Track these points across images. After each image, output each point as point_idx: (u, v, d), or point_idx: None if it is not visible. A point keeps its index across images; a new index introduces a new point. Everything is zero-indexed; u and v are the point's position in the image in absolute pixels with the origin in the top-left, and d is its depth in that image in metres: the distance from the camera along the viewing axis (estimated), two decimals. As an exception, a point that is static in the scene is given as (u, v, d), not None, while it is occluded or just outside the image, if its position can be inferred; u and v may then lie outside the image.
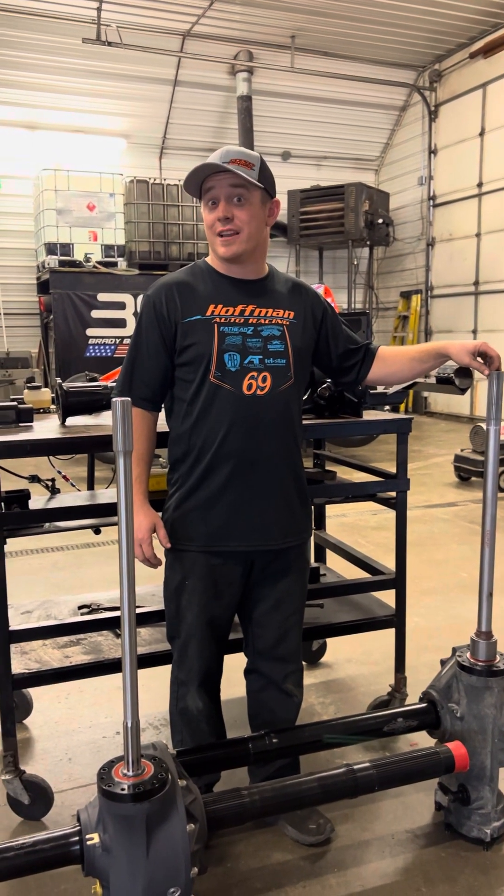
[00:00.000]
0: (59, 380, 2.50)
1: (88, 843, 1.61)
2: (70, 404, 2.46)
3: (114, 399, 1.49)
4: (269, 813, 1.93)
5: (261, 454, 2.04)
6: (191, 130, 11.29)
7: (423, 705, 2.23)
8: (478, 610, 2.16)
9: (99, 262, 9.64)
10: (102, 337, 9.32)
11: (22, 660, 2.39)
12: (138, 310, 6.81)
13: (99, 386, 2.54)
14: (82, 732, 2.81)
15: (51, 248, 9.75)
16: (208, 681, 2.19)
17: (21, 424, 2.45)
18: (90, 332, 9.22)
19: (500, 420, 2.08)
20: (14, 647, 2.44)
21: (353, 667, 3.30)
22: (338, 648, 3.39)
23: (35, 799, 2.27)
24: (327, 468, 3.15)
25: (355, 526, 5.61)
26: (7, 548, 2.21)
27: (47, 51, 9.76)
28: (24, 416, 2.45)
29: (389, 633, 2.73)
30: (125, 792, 1.56)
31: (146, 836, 1.57)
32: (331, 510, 4.31)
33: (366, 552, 3.09)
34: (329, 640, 3.36)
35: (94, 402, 2.51)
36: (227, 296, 2.05)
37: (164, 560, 2.15)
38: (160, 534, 2.07)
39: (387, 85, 11.52)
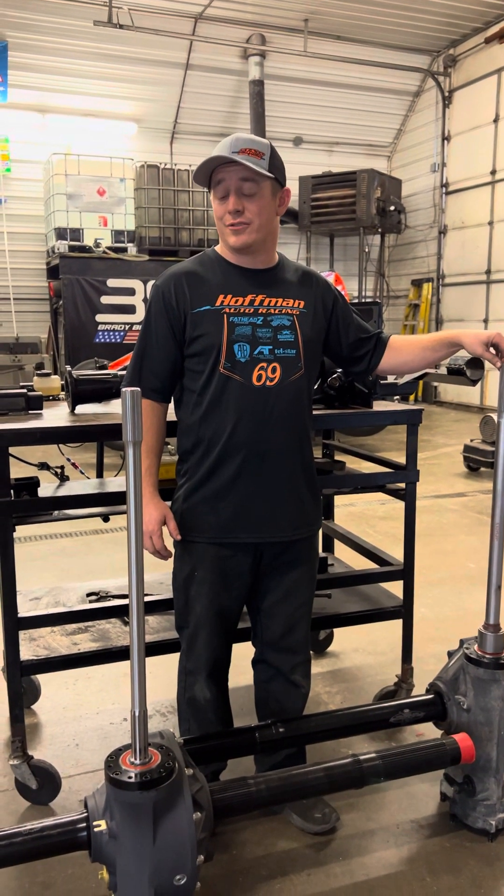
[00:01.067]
0: (68, 367, 2.50)
1: (95, 829, 1.63)
2: (80, 392, 2.46)
3: (123, 389, 1.48)
4: (275, 802, 1.94)
5: (271, 446, 2.03)
6: (202, 115, 11.21)
7: (430, 697, 2.23)
8: (486, 602, 2.16)
9: (109, 248, 9.60)
10: (112, 323, 9.30)
11: (31, 646, 2.41)
12: (148, 298, 6.82)
13: (108, 374, 2.53)
14: (90, 718, 2.83)
15: (61, 233, 9.71)
16: (216, 671, 2.20)
17: (31, 412, 2.45)
18: (99, 317, 9.20)
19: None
20: (23, 634, 2.45)
21: (359, 656, 3.31)
22: (345, 638, 3.40)
23: (43, 784, 2.29)
24: (336, 458, 3.14)
25: (363, 515, 5.60)
26: (16, 533, 2.22)
27: (59, 33, 9.69)
28: (34, 403, 2.45)
29: (396, 624, 2.73)
30: (132, 780, 1.57)
31: (153, 823, 1.59)
32: (339, 500, 4.30)
33: (373, 542, 3.08)
34: (336, 630, 3.37)
35: (104, 391, 2.50)
36: (236, 286, 2.03)
37: (173, 551, 2.15)
38: (170, 525, 2.06)
39: (400, 70, 11.40)
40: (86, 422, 2.33)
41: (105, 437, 2.33)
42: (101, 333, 9.27)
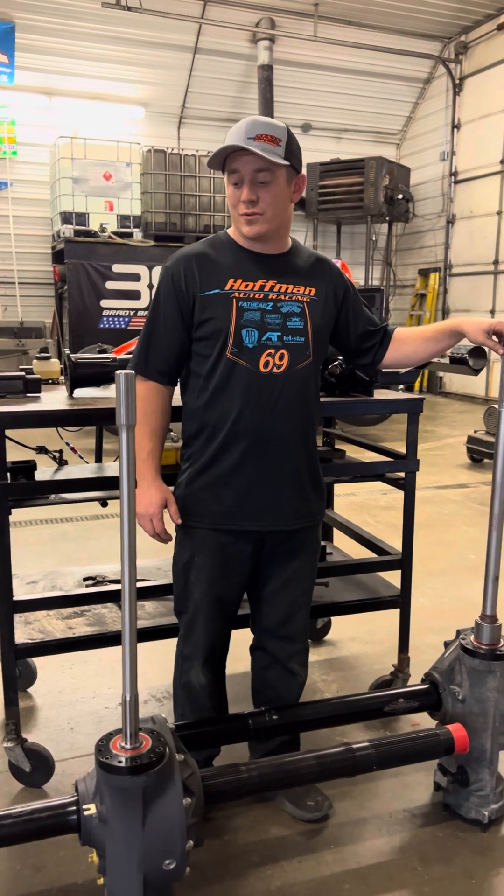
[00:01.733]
0: (67, 351, 2.48)
1: (85, 813, 1.63)
2: (78, 376, 2.44)
3: (118, 372, 1.47)
4: (267, 789, 1.94)
5: (275, 433, 2.01)
6: (210, 100, 11.12)
7: (425, 687, 2.22)
8: (483, 593, 2.15)
9: (114, 233, 9.56)
10: (116, 309, 9.27)
11: (26, 630, 2.40)
12: (154, 282, 6.80)
13: (107, 358, 2.52)
14: (85, 702, 2.83)
15: (66, 218, 9.67)
16: (213, 657, 2.19)
17: (29, 395, 2.44)
18: (104, 303, 9.17)
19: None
20: (18, 617, 2.44)
21: (356, 646, 3.30)
22: (342, 627, 3.39)
23: (36, 767, 2.30)
24: (337, 447, 3.12)
25: (365, 505, 5.59)
26: (16, 517, 2.21)
27: (67, 15, 9.61)
28: (32, 386, 2.44)
29: (394, 613, 2.72)
30: (122, 765, 1.57)
31: (142, 808, 1.58)
32: (340, 489, 4.28)
33: (374, 532, 3.07)
34: (334, 619, 3.36)
35: (103, 374, 2.49)
36: (247, 270, 2.01)
37: (174, 535, 2.14)
38: (171, 509, 2.05)
39: (411, 56, 11.28)
40: (83, 405, 2.32)
41: (102, 420, 2.33)
42: (105, 319, 9.24)
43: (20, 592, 2.66)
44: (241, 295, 1.97)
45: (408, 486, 2.59)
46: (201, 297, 1.97)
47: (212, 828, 2.15)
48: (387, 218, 11.21)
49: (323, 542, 3.12)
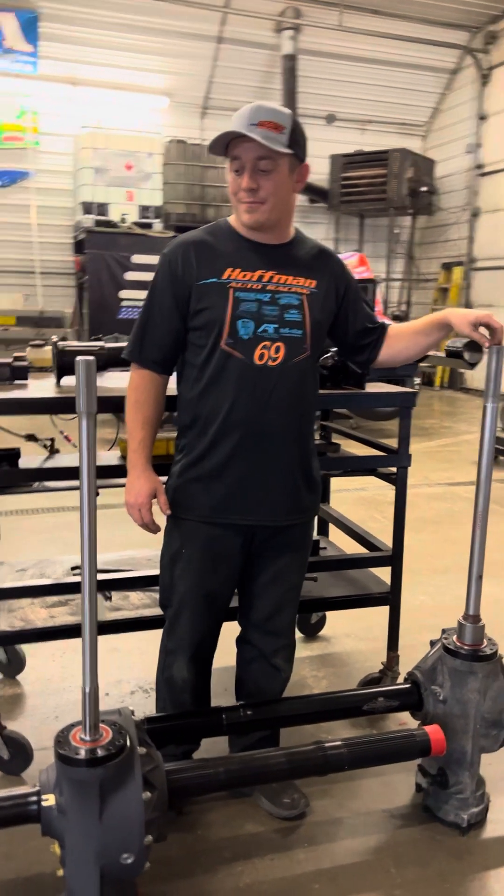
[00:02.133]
0: (54, 338, 2.47)
1: (44, 804, 1.62)
2: (65, 363, 2.42)
3: (78, 359, 1.44)
4: (234, 785, 1.92)
5: (269, 427, 1.97)
6: (234, 90, 11.03)
7: (407, 686, 2.18)
8: (466, 592, 2.10)
9: (134, 223, 9.56)
10: (136, 299, 9.26)
11: (7, 617, 2.40)
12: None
13: (95, 346, 2.50)
14: (72, 691, 2.82)
15: (87, 208, 9.69)
16: (198, 653, 2.16)
17: (16, 382, 2.43)
18: (123, 293, 9.17)
19: (499, 396, 1.99)
20: (2, 605, 2.45)
21: (351, 642, 3.26)
22: (337, 623, 3.35)
23: (14, 755, 2.29)
24: (334, 441, 3.07)
25: (373, 501, 5.52)
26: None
27: (90, 3, 9.59)
28: (19, 373, 2.43)
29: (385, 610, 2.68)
30: (80, 756, 1.55)
31: (100, 801, 1.57)
32: (349, 483, 4.22)
33: (380, 528, 3.02)
34: (330, 615, 3.32)
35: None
36: (246, 260, 1.96)
37: (163, 527, 2.11)
38: (160, 500, 2.03)
39: (438, 46, 11.10)
40: (66, 393, 2.30)
41: (64, 410, 2.31)
42: (124, 309, 9.24)
43: (8, 580, 2.67)
44: (238, 285, 1.93)
45: (399, 482, 2.55)
46: (197, 286, 1.93)
47: (185, 822, 2.13)
48: (410, 211, 11.08)
49: (318, 537, 3.10)
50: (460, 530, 4.93)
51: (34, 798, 1.65)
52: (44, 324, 9.95)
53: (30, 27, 9.96)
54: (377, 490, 5.82)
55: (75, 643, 3.03)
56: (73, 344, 2.48)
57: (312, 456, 2.13)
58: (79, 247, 9.94)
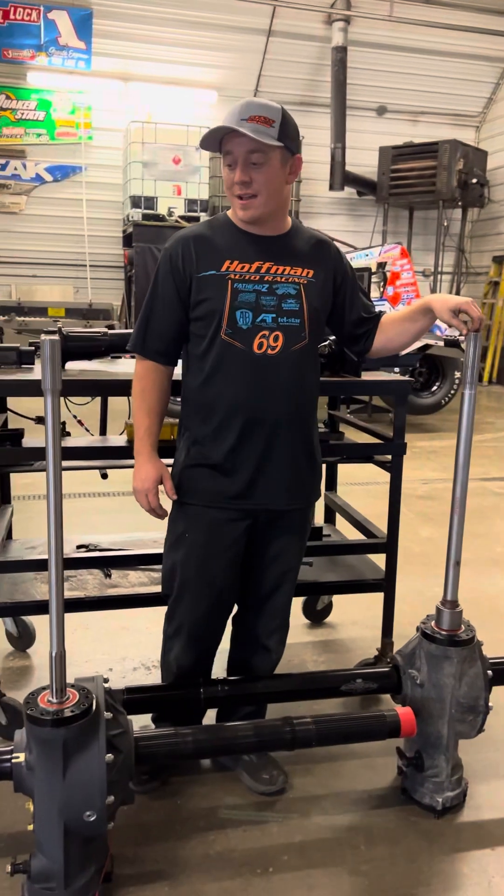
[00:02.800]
0: (59, 324, 2.56)
1: (14, 761, 1.71)
2: (69, 349, 2.51)
3: (42, 338, 1.52)
4: (201, 755, 1.99)
5: (270, 414, 2.02)
6: (283, 83, 11.05)
7: (386, 669, 2.21)
8: (444, 578, 2.12)
9: (181, 217, 9.68)
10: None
11: (11, 590, 2.51)
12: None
13: (98, 332, 2.58)
14: (78, 666, 2.92)
15: (135, 202, 9.87)
16: (199, 640, 2.20)
17: (23, 366, 2.53)
18: (169, 286, 9.28)
19: (476, 383, 2.00)
20: (6, 578, 2.56)
21: (356, 629, 3.29)
22: (345, 610, 3.38)
23: (10, 721, 2.40)
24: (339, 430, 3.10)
25: (402, 494, 5.50)
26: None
27: (141, 0, 9.75)
28: (25, 357, 2.53)
29: (401, 599, 2.70)
30: (45, 717, 1.64)
31: (63, 759, 1.65)
32: (379, 476, 4.23)
33: (405, 521, 3.01)
34: (338, 602, 3.35)
35: (94, 348, 2.56)
36: (243, 252, 2.02)
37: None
38: (166, 485, 2.09)
39: (492, 35, 10.89)
40: (69, 377, 2.39)
41: (84, 392, 2.41)
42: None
43: (16, 555, 2.79)
44: (237, 276, 1.99)
45: (394, 469, 2.57)
46: (197, 278, 1.99)
47: (167, 791, 2.21)
48: (460, 203, 10.91)
49: (323, 525, 3.14)
50: (485, 525, 4.89)
51: (7, 756, 1.75)
52: (92, 316, 10.17)
53: (83, 24, 10.17)
54: (407, 483, 5.74)
55: (87, 620, 3.20)
56: (77, 330, 2.57)
57: (314, 441, 2.18)
58: (127, 240, 10.12)
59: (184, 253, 2.01)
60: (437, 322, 2.17)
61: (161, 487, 2.10)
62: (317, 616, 3.31)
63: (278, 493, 2.09)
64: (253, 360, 1.98)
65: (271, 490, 2.07)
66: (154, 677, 2.80)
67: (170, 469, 2.14)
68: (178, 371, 2.15)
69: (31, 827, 1.73)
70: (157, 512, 2.11)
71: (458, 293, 11.96)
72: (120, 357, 3.08)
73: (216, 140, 1.96)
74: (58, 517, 1.61)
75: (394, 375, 2.67)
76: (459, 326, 1.99)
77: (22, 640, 2.99)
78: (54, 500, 1.60)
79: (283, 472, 2.08)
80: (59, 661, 1.67)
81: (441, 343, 2.30)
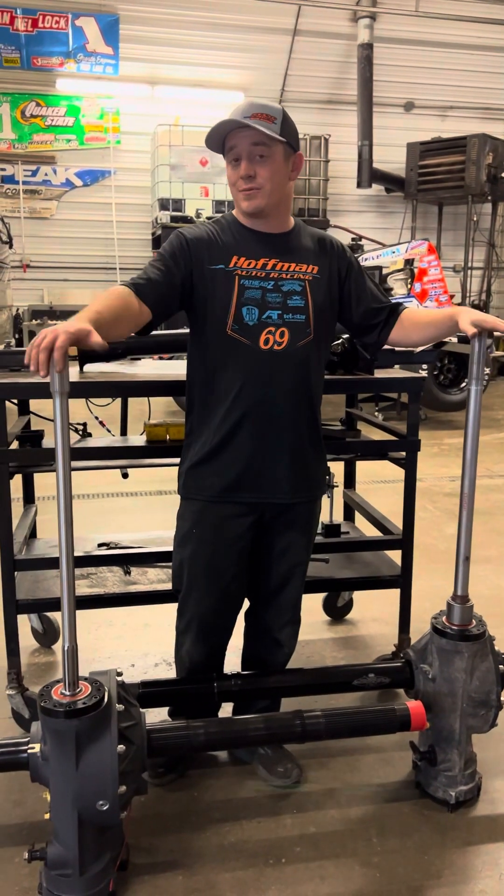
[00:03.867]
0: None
1: (30, 751, 1.77)
2: (86, 352, 2.57)
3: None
4: (213, 747, 2.03)
5: (275, 409, 2.06)
6: (309, 82, 11.04)
7: (398, 664, 2.23)
8: (454, 573, 2.13)
9: (208, 218, 9.73)
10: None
11: (32, 587, 2.58)
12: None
13: (115, 335, 2.63)
14: (100, 662, 2.99)
15: (164, 204, 9.96)
16: (209, 635, 2.24)
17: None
18: (196, 287, 9.35)
19: (482, 380, 2.01)
20: (29, 576, 2.63)
21: (376, 626, 3.30)
22: (366, 607, 3.39)
23: (34, 715, 2.46)
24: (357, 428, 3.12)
25: (428, 491, 5.50)
26: (83, 489, 2.35)
27: (167, 4, 9.83)
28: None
29: (422, 596, 2.71)
30: (58, 709, 1.69)
31: (76, 750, 1.70)
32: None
33: (430, 518, 3.05)
34: (359, 599, 3.37)
35: (111, 350, 2.60)
36: (249, 249, 2.07)
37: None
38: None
39: (520, 26, 10.76)
40: (85, 379, 2.45)
41: (102, 393, 2.47)
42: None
43: (39, 553, 2.86)
44: (244, 273, 2.03)
45: (408, 465, 2.58)
46: (208, 269, 2.02)
47: (184, 783, 2.26)
48: (489, 197, 10.79)
49: (342, 521, 3.16)
50: (512, 521, 4.87)
51: (23, 746, 1.81)
52: (122, 318, 10.26)
53: (110, 30, 10.28)
54: (435, 480, 5.79)
55: (110, 616, 3.27)
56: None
57: (319, 435, 2.20)
58: (157, 243, 10.21)
59: (197, 240, 2.04)
60: None
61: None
62: (337, 613, 3.33)
63: (283, 488, 2.12)
64: (258, 355, 2.01)
65: (276, 484, 2.11)
66: (175, 673, 2.85)
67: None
68: (181, 371, 2.19)
69: (47, 815, 1.79)
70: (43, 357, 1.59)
71: (489, 288, 11.84)
72: (140, 358, 3.14)
73: (221, 137, 2.01)
74: (68, 515, 1.66)
75: (411, 373, 2.67)
76: (467, 329, 1.95)
77: (47, 636, 3.07)
78: (64, 498, 1.65)
79: (288, 467, 2.11)
80: (71, 654, 1.73)
81: (455, 339, 2.32)
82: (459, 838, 2.06)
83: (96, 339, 1.63)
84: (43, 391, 2.35)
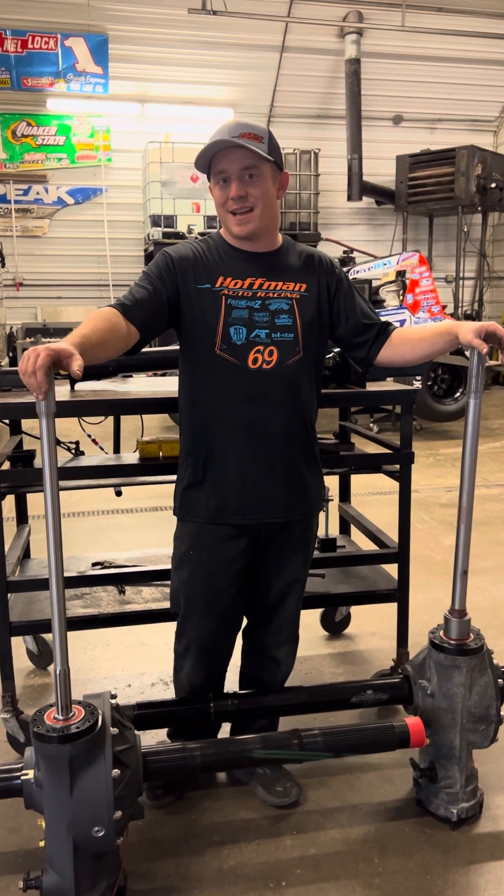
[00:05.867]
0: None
1: (23, 778, 1.74)
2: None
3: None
4: (209, 769, 1.99)
5: (267, 428, 2.05)
6: (298, 97, 11.13)
7: (397, 680, 2.21)
8: (451, 587, 2.11)
9: (201, 234, 9.78)
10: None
11: (26, 609, 2.55)
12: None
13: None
14: (97, 683, 2.96)
15: (155, 220, 10.01)
16: (209, 658, 2.22)
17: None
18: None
19: (481, 393, 1.99)
20: (21, 597, 2.61)
21: (375, 640, 3.27)
22: (364, 621, 3.37)
23: (29, 737, 2.43)
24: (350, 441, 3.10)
25: (425, 502, 5.48)
26: (79, 507, 2.33)
27: (155, 23, 9.90)
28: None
29: (421, 609, 2.68)
30: (51, 734, 1.66)
31: (70, 775, 1.67)
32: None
33: (427, 529, 3.03)
34: (357, 614, 3.35)
35: (102, 369, 2.59)
36: (236, 268, 2.06)
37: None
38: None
39: (505, 39, 10.86)
40: (77, 398, 2.44)
41: (91, 412, 2.45)
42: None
43: (33, 574, 2.84)
44: (230, 293, 2.02)
45: (402, 478, 2.56)
46: (194, 288, 2.01)
47: (182, 807, 2.22)
48: (479, 208, 10.86)
49: (337, 535, 3.14)
50: (509, 532, 4.85)
51: (17, 773, 1.78)
52: (115, 334, 10.27)
53: (100, 50, 10.35)
54: (431, 491, 5.78)
55: (107, 637, 3.24)
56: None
57: (314, 452, 2.19)
58: (149, 259, 10.23)
59: (182, 259, 2.03)
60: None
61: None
62: (335, 627, 3.30)
63: (278, 507, 2.10)
64: (247, 374, 2.00)
65: (271, 504, 2.08)
66: (172, 693, 2.81)
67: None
68: (174, 388, 2.18)
69: (42, 843, 1.76)
70: (34, 383, 1.59)
71: (480, 298, 11.89)
72: (131, 376, 3.13)
73: (209, 158, 1.99)
74: (56, 537, 1.64)
75: (403, 385, 2.66)
76: (482, 347, 1.92)
77: (42, 657, 3.04)
78: (52, 519, 1.63)
79: (282, 486, 2.09)
80: (63, 678, 1.70)
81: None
82: (462, 857, 2.03)
83: (77, 364, 1.59)
84: (33, 411, 2.35)
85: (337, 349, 2.50)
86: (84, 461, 2.82)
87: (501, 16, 10.55)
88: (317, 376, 2.18)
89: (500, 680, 2.10)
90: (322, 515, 2.55)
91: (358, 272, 8.31)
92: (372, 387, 2.54)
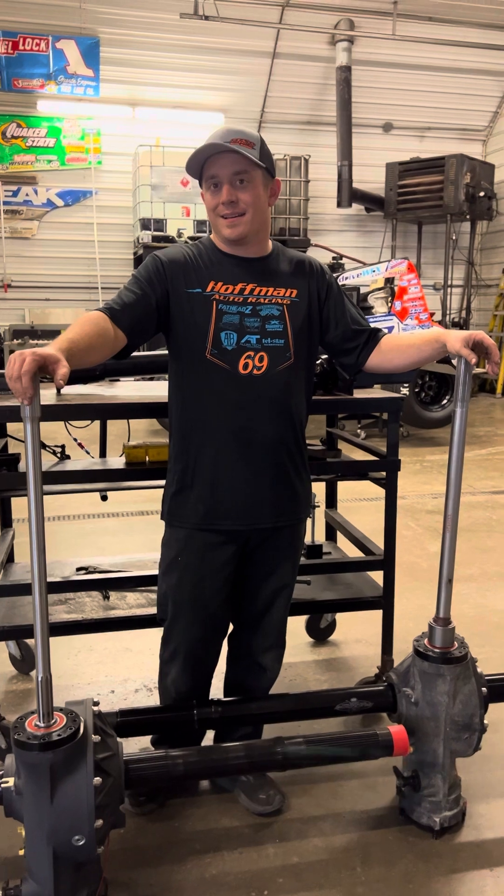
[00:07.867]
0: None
1: (3, 785, 1.72)
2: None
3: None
4: (192, 777, 1.98)
5: (256, 434, 2.04)
6: (289, 103, 11.16)
7: (381, 687, 2.20)
8: (437, 595, 2.11)
9: (190, 238, 9.77)
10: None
11: (9, 614, 2.53)
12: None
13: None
14: (80, 688, 2.94)
15: (145, 224, 9.99)
16: (195, 664, 2.20)
17: (16, 392, 2.56)
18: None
19: (468, 402, 2.00)
20: (5, 601, 2.59)
21: (360, 647, 3.27)
22: (349, 628, 3.36)
23: (10, 744, 2.41)
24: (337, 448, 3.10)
25: (411, 508, 5.49)
26: (65, 511, 2.31)
27: (148, 27, 9.90)
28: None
29: (406, 615, 2.68)
30: (32, 742, 1.65)
31: (51, 783, 1.65)
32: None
33: (413, 536, 3.03)
34: (342, 620, 3.34)
35: (88, 373, 2.58)
36: (227, 274, 2.05)
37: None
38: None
39: (496, 50, 10.91)
40: (63, 402, 2.42)
41: (81, 416, 2.44)
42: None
43: (16, 578, 2.81)
44: (221, 298, 2.02)
45: (389, 485, 2.56)
46: (185, 293, 2.01)
47: (165, 814, 2.21)
48: (468, 216, 10.92)
49: (324, 542, 3.14)
50: (494, 539, 4.86)
51: (-3, 780, 1.76)
52: (104, 337, 10.24)
53: (91, 53, 10.34)
54: (417, 498, 5.79)
55: (91, 642, 3.22)
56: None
57: (303, 459, 2.18)
58: (138, 262, 10.21)
59: (173, 263, 2.03)
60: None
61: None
62: (320, 634, 3.29)
63: (266, 512, 2.09)
64: (238, 380, 2.00)
65: (260, 510, 2.08)
66: (156, 699, 2.79)
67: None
68: (161, 393, 2.17)
69: (21, 851, 1.74)
70: (18, 386, 1.56)
71: (468, 305, 11.95)
72: (118, 380, 3.12)
73: (201, 162, 1.99)
74: (40, 541, 1.63)
75: (390, 393, 2.66)
76: (469, 356, 1.92)
77: (24, 662, 3.01)
78: (36, 524, 1.62)
79: (272, 491, 2.09)
80: (44, 685, 1.68)
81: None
82: (444, 866, 2.02)
83: (62, 373, 1.57)
84: (18, 414, 2.33)
85: (324, 356, 2.50)
86: (69, 465, 2.80)
87: (492, 26, 10.62)
88: (307, 382, 2.18)
89: (483, 689, 2.10)
90: (308, 522, 2.55)
91: (347, 279, 8.33)
92: (359, 394, 2.54)
